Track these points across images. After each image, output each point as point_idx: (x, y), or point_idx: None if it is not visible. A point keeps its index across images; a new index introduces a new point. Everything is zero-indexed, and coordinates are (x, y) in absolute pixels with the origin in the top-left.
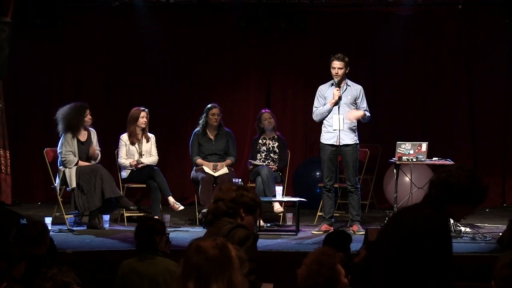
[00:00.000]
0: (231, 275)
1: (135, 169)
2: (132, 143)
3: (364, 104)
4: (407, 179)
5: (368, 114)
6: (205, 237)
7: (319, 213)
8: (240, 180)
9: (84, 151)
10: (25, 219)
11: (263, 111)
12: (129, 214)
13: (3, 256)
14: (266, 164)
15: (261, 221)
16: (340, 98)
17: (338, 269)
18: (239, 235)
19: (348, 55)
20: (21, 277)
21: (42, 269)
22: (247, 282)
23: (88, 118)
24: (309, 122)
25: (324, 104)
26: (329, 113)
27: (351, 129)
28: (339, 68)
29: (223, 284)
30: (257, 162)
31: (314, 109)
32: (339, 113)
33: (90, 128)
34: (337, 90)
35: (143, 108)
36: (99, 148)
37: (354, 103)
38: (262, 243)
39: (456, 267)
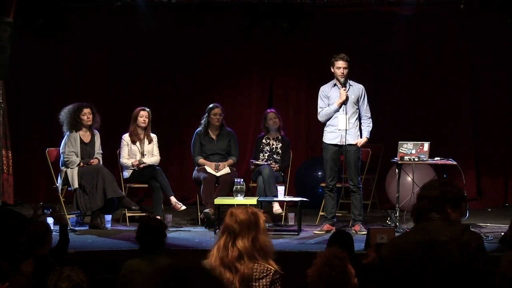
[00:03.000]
0: (256, 235)
1: (137, 169)
2: (133, 142)
3: (365, 104)
4: (409, 179)
5: (369, 128)
6: (413, 234)
7: (321, 213)
8: (242, 180)
9: (86, 152)
10: (50, 209)
11: (268, 110)
12: (131, 214)
13: (12, 255)
14: (268, 164)
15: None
16: (347, 97)
17: (349, 271)
18: (476, 237)
19: (350, 55)
20: (31, 274)
21: (56, 267)
22: (271, 241)
23: (85, 117)
24: (311, 122)
25: (328, 104)
26: (334, 113)
27: (355, 129)
28: (344, 68)
29: (248, 241)
30: (259, 162)
31: (319, 109)
32: (346, 113)
33: (94, 131)
34: (344, 90)
35: (144, 108)
36: (101, 151)
37: (357, 103)
38: None
39: None
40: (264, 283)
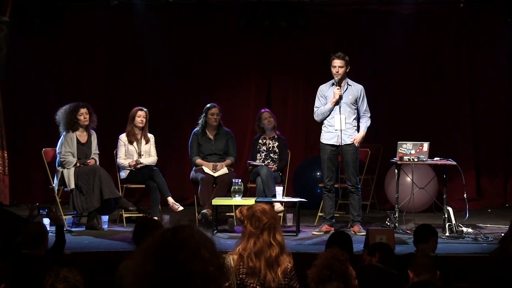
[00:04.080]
0: (280, 228)
1: (134, 169)
2: (130, 142)
3: (365, 105)
4: (408, 179)
5: (366, 124)
6: None
7: (319, 214)
8: (240, 180)
9: (83, 152)
10: (46, 210)
11: (262, 110)
12: (128, 215)
13: (8, 255)
14: (265, 164)
15: None
16: (341, 97)
17: (349, 274)
18: None
19: (348, 54)
20: None
21: (53, 268)
22: None
23: (82, 117)
24: (309, 122)
25: (325, 104)
26: (330, 113)
27: (352, 129)
28: (339, 67)
29: (281, 234)
30: (256, 163)
31: (315, 109)
32: (340, 113)
33: (91, 131)
34: (338, 89)
35: (142, 108)
36: (97, 152)
37: (355, 103)
38: None
39: (458, 268)
40: (286, 279)
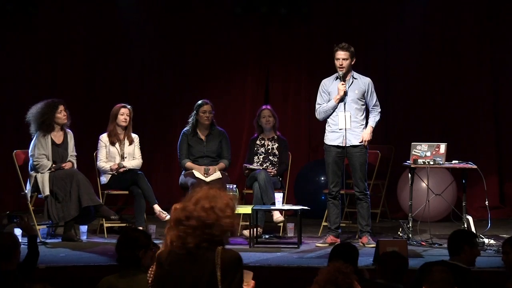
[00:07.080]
0: None
1: (116, 173)
2: (112, 143)
3: (374, 100)
4: (423, 184)
5: (375, 118)
6: None
7: (324, 223)
8: (234, 186)
9: (59, 154)
10: (17, 218)
11: (263, 107)
12: (109, 225)
13: None
14: (263, 168)
15: (259, 232)
16: (345, 93)
17: None
18: None
19: (357, 44)
20: None
21: (25, 284)
22: None
23: (62, 115)
24: (312, 121)
25: (329, 101)
26: (334, 111)
27: (359, 128)
28: (343, 59)
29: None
30: (253, 166)
31: (317, 106)
32: (345, 110)
33: (67, 130)
34: (342, 84)
35: (125, 105)
36: (75, 153)
37: (362, 98)
38: (260, 256)
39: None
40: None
